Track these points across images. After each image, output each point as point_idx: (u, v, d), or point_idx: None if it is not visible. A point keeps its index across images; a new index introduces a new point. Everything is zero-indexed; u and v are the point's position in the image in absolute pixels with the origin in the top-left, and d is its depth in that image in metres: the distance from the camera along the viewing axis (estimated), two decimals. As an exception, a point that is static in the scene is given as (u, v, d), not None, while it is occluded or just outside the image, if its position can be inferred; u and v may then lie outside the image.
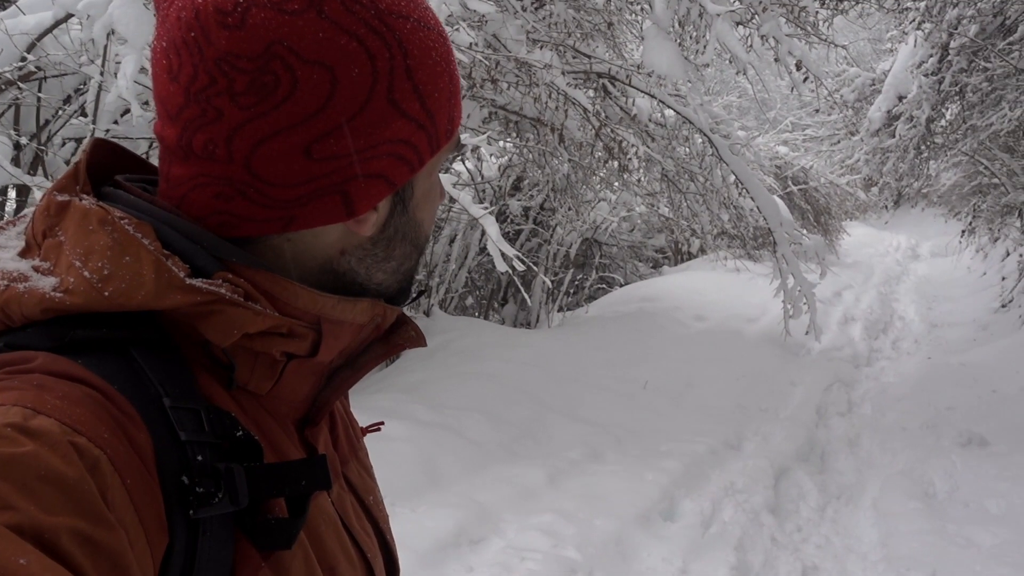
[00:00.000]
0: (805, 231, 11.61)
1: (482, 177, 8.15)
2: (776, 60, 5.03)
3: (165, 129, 0.66)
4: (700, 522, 4.28)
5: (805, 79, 5.15)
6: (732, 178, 7.27)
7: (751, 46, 5.17)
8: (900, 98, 11.59)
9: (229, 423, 0.62)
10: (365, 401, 5.16)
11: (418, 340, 0.78)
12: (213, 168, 0.64)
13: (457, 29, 3.79)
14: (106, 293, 0.60)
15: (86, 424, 0.54)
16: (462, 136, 4.47)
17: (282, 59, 0.61)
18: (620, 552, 3.88)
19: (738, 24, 5.13)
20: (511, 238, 8.96)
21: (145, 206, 0.66)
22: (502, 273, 3.97)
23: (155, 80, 0.66)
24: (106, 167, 0.70)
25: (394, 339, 0.77)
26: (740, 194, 7.55)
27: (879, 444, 5.74)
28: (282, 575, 0.63)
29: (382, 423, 0.96)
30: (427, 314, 7.38)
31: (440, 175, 0.76)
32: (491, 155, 6.24)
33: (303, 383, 0.72)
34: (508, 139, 6.95)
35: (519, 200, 8.82)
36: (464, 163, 7.72)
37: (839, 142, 18.97)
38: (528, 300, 8.61)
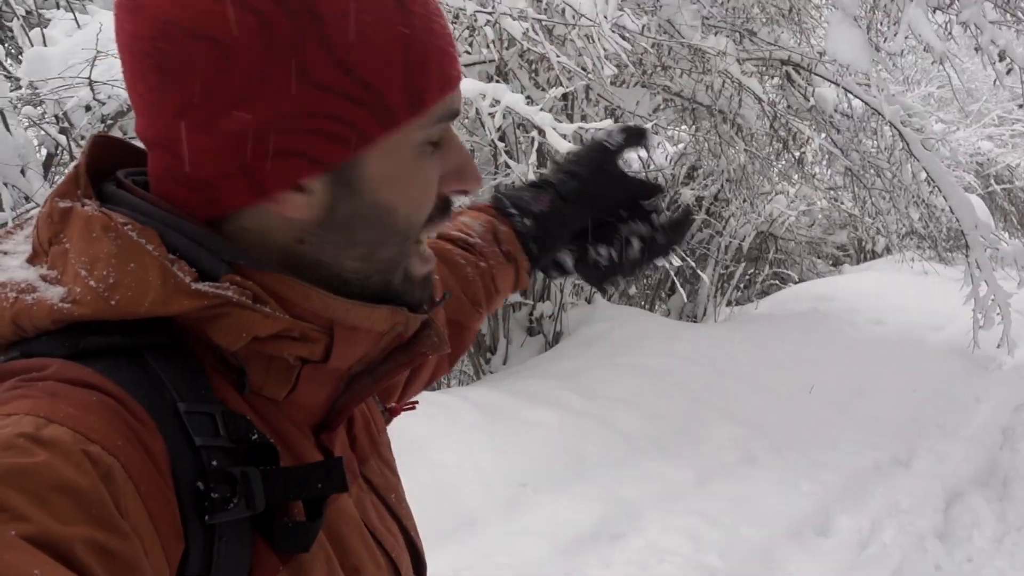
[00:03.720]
0: (1006, 234, 10.71)
1: (653, 164, 7.98)
2: (977, 50, 4.61)
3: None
4: (857, 541, 4.03)
5: (1009, 71, 4.70)
6: (924, 175, 6.79)
7: (950, 33, 4.76)
8: None
9: (244, 427, 0.61)
10: (518, 385, 5.18)
11: (441, 345, 0.74)
12: (152, 152, 0.66)
13: (621, 13, 3.69)
14: (112, 302, 0.59)
15: (99, 432, 0.54)
16: (631, 122, 4.37)
17: (172, 37, 0.60)
18: (766, 564, 3.71)
19: (935, 10, 4.73)
20: (681, 228, 8.72)
21: (148, 208, 0.65)
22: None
23: None
24: (109, 162, 0.70)
25: (416, 346, 0.73)
26: (932, 192, 7.05)
27: (1073, 474, 5.22)
28: None
29: (416, 402, 0.93)
30: (588, 301, 7.33)
31: (455, 151, 0.70)
32: (659, 143, 6.09)
33: (320, 389, 0.70)
34: (682, 128, 6.76)
35: (692, 189, 8.58)
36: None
37: (1054, 138, 17.30)
38: (687, 295, 8.38)
